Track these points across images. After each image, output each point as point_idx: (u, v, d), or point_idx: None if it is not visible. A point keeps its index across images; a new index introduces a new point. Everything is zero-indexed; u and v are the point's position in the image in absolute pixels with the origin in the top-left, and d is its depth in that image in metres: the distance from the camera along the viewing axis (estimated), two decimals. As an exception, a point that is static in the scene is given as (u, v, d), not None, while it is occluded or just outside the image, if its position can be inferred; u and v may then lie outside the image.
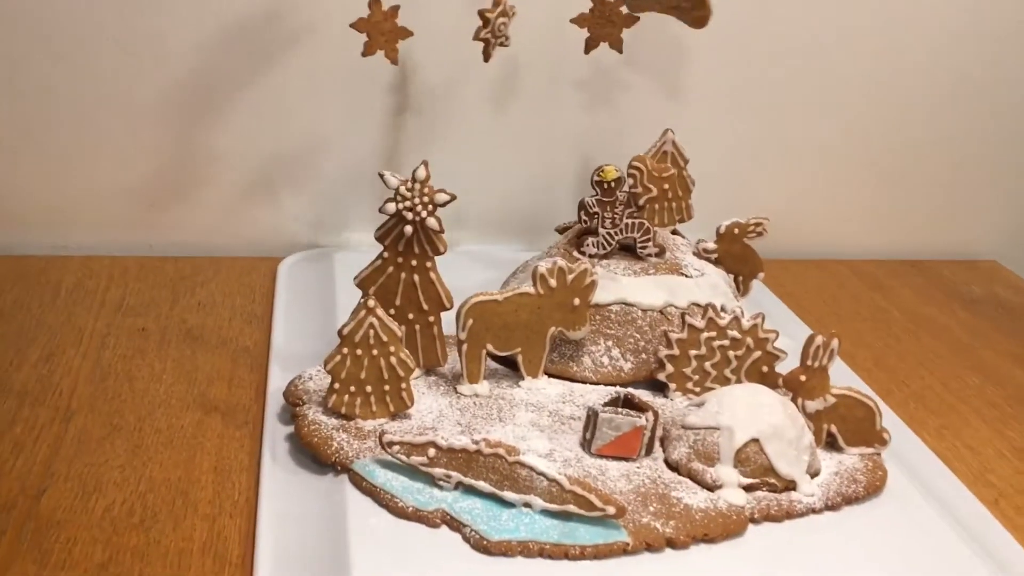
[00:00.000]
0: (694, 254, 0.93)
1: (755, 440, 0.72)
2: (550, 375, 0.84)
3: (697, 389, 0.83)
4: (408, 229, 0.77)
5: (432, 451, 0.69)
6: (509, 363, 0.84)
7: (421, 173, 0.77)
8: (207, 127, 1.06)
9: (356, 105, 1.08)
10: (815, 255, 1.21)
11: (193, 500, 0.70)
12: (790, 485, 0.72)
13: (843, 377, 0.85)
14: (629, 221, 0.88)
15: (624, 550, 0.66)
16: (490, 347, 0.80)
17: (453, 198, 0.77)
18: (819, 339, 0.75)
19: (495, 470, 0.68)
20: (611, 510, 0.66)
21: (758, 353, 0.82)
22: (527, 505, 0.67)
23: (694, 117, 1.12)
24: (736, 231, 0.93)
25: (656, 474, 0.73)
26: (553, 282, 0.80)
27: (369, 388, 0.75)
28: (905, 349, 1.03)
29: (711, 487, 0.71)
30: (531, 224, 1.16)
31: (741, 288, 0.95)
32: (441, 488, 0.69)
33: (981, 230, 1.27)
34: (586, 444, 0.74)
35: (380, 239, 0.80)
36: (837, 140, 1.19)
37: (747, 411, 0.72)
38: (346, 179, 1.11)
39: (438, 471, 0.69)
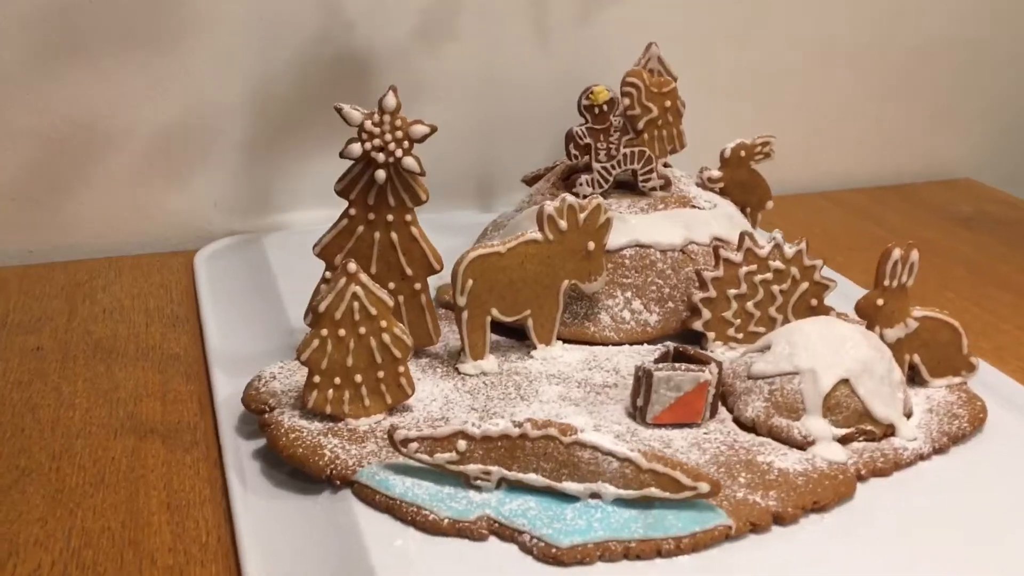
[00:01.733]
0: (697, 185, 0.80)
1: (844, 381, 0.59)
2: (564, 340, 0.69)
3: (740, 336, 0.70)
4: (380, 175, 0.62)
5: (462, 443, 0.53)
6: (511, 332, 0.69)
7: (390, 102, 0.61)
8: (82, 96, 0.87)
9: (271, 59, 0.91)
10: (791, 190, 1.10)
11: (148, 549, 0.53)
12: (888, 430, 0.60)
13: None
14: (627, 151, 0.74)
15: (727, 535, 0.52)
16: (495, 312, 0.65)
17: (433, 130, 0.61)
18: (896, 253, 0.63)
19: (548, 457, 0.53)
20: (704, 487, 0.52)
21: (805, 285, 0.69)
22: (595, 495, 0.53)
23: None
24: (742, 154, 0.81)
25: (731, 438, 0.59)
26: (563, 223, 0.65)
27: (359, 377, 0.59)
28: (922, 274, 0.93)
29: (801, 444, 0.58)
30: (482, 183, 1.01)
31: (749, 220, 0.83)
32: (480, 489, 0.54)
33: (953, 149, 1.20)
34: (638, 413, 0.60)
35: (343, 192, 0.63)
36: (807, 71, 1.10)
37: (827, 348, 0.60)
38: (267, 149, 0.94)
39: (473, 468, 0.53)
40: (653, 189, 0.76)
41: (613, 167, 0.75)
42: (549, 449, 0.53)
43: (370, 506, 0.54)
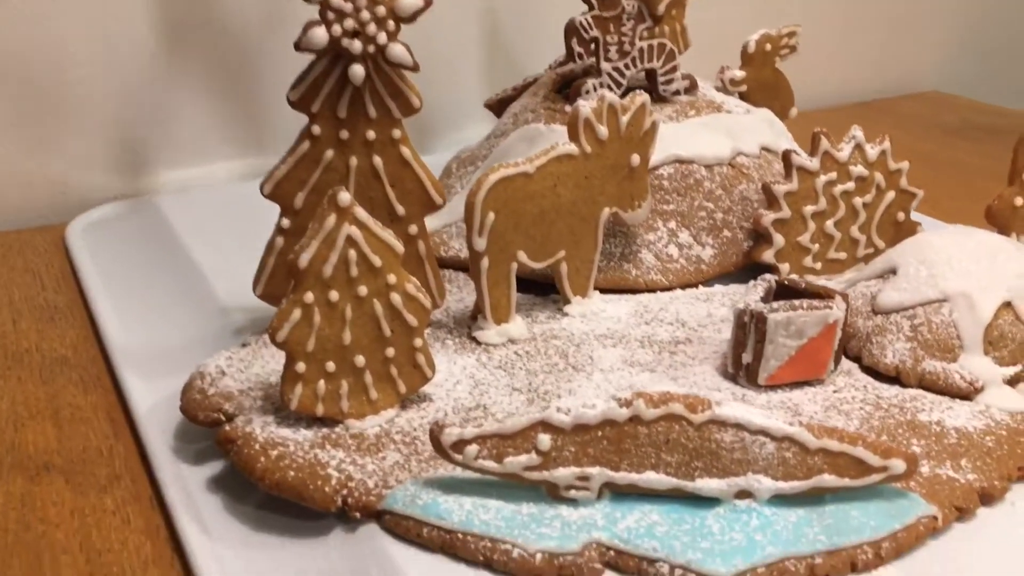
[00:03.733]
0: (716, 89, 0.64)
1: (1007, 305, 0.45)
2: (600, 290, 0.53)
3: (818, 266, 0.55)
4: (357, 72, 0.43)
5: (545, 439, 0.36)
6: (531, 285, 0.52)
7: None
8: None
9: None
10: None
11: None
12: (1059, 364, 0.46)
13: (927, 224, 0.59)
14: (644, 44, 0.58)
15: (933, 529, 0.37)
16: (522, 257, 0.48)
17: (428, 5, 0.43)
18: (1037, 137, 0.49)
19: (672, 446, 0.36)
20: (898, 466, 0.36)
21: (891, 195, 0.55)
22: (744, 494, 0.36)
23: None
24: (768, 47, 0.66)
25: (872, 394, 0.44)
26: (603, 130, 0.48)
27: (360, 359, 0.41)
28: (942, 188, 0.81)
29: (967, 393, 0.44)
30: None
31: (774, 133, 0.68)
32: (576, 503, 0.37)
33: (918, 62, 1.10)
34: (744, 372, 0.44)
35: (302, 102, 0.45)
36: None
37: (976, 264, 0.45)
38: (150, 97, 0.73)
39: (565, 473, 0.36)
40: (677, 93, 0.60)
41: (627, 66, 0.58)
42: (673, 434, 0.36)
43: (414, 545, 0.36)
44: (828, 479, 0.36)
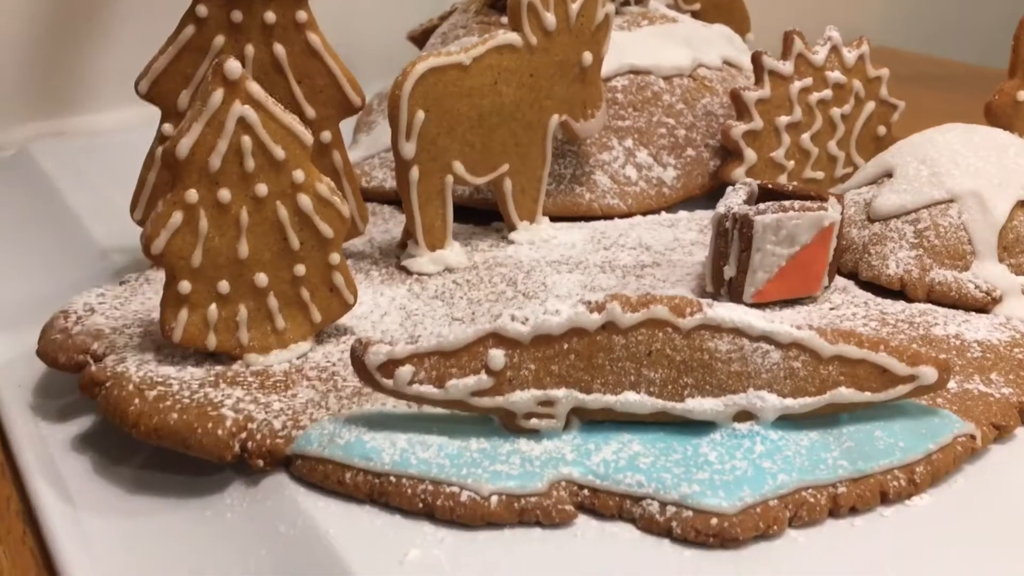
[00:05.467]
0: (668, 7, 0.58)
1: (1022, 204, 0.39)
2: (549, 217, 0.46)
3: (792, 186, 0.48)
4: None
5: (497, 355, 0.28)
6: (469, 214, 0.45)
7: None
8: None
9: None
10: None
11: None
12: (1077, 273, 0.40)
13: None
14: (589, -54, 0.51)
15: (972, 449, 0.30)
16: (459, 168, 0.40)
17: None
18: (1040, 20, 0.43)
19: (656, 358, 0.29)
20: (929, 374, 0.29)
21: (871, 105, 0.49)
22: (745, 416, 0.29)
23: None
24: (722, -38, 0.59)
25: (876, 310, 0.38)
26: (551, 18, 0.41)
27: (262, 278, 0.33)
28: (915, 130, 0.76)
29: (983, 304, 0.37)
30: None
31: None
32: (539, 436, 0.29)
33: (864, 17, 1.05)
34: (728, 288, 0.37)
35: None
36: None
37: (984, 161, 0.39)
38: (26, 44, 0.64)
39: (523, 397, 0.29)
40: (626, 3, 0.53)
41: (571, -28, 0.51)
42: (657, 344, 0.29)
43: (333, 495, 0.28)
44: (846, 393, 0.29)
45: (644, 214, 0.47)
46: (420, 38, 0.63)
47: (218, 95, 0.31)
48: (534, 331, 0.28)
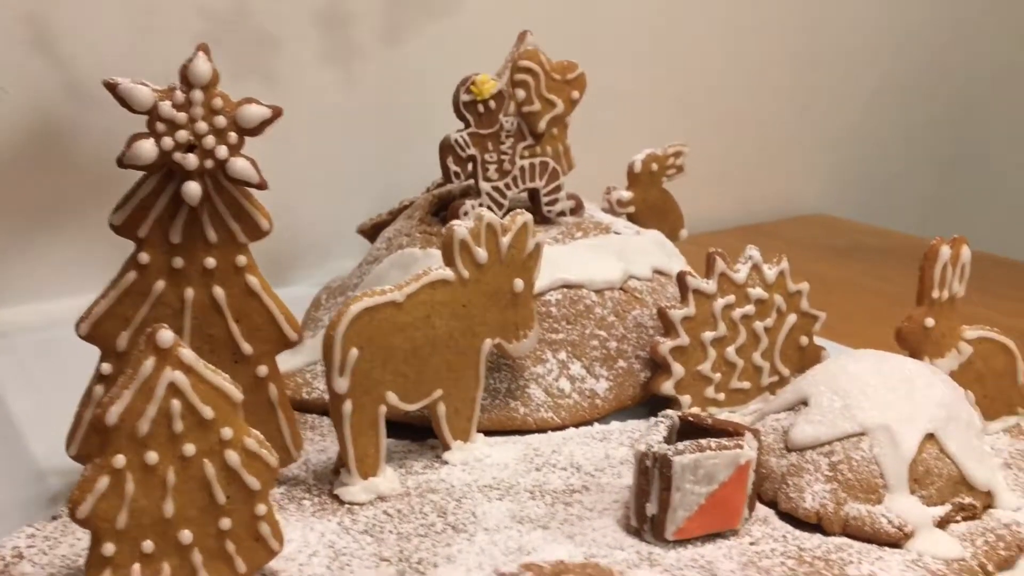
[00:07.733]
0: (603, 211, 0.61)
1: (930, 437, 0.40)
2: (484, 432, 0.47)
3: (721, 396, 0.50)
4: (192, 190, 0.38)
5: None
6: (400, 429, 0.46)
7: (201, 69, 0.37)
8: None
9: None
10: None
11: None
12: (987, 499, 0.42)
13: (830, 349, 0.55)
14: (525, 163, 0.54)
15: None
16: (392, 398, 0.42)
17: (276, 114, 0.38)
18: (945, 251, 0.46)
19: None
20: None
21: (792, 318, 0.51)
22: None
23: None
24: (654, 167, 0.63)
25: (792, 545, 0.39)
26: (482, 253, 0.43)
27: (187, 535, 0.33)
28: (838, 310, 0.79)
29: (896, 540, 0.39)
30: (270, 253, 0.76)
31: (664, 255, 0.64)
32: None
33: (802, 186, 1.10)
34: (650, 525, 0.38)
35: (126, 227, 0.39)
36: (660, 116, 0.95)
37: (894, 392, 0.41)
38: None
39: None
40: (562, 214, 0.56)
41: (508, 186, 0.54)
42: (568, 615, 0.30)
43: None
44: (755, 660, 0.30)
45: (577, 426, 0.48)
46: (370, 232, 0.65)
47: (150, 363, 0.32)
48: (448, 606, 0.29)
